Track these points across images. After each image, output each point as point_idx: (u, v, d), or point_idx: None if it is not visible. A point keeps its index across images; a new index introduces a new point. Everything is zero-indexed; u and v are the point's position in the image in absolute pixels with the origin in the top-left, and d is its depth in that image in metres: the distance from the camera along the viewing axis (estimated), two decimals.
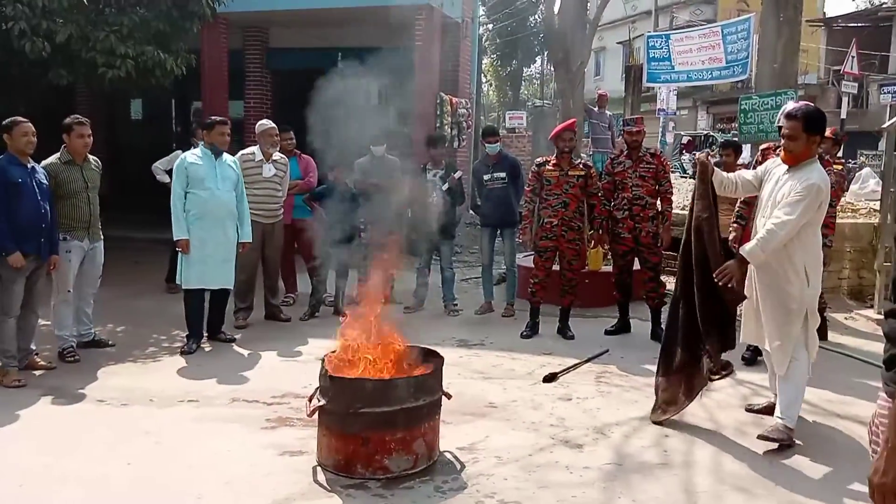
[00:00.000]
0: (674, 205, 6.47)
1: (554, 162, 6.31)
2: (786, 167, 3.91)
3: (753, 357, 5.46)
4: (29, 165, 4.98)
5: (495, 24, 32.90)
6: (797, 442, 3.97)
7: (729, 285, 3.86)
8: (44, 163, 5.25)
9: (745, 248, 3.85)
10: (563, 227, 6.18)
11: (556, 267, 6.36)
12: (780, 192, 3.87)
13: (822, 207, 3.84)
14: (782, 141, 3.88)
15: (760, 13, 8.76)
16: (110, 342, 5.80)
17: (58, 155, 5.37)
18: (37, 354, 5.21)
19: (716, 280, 3.87)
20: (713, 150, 4.36)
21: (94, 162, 5.57)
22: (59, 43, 7.42)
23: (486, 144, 7.03)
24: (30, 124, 4.97)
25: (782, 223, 3.73)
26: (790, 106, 3.99)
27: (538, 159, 6.70)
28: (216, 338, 5.95)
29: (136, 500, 3.29)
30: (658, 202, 6.21)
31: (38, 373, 5.08)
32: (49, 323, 5.47)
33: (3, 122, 4.96)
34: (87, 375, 5.04)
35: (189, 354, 5.59)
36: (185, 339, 5.77)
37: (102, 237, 5.65)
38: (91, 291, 5.65)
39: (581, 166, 6.34)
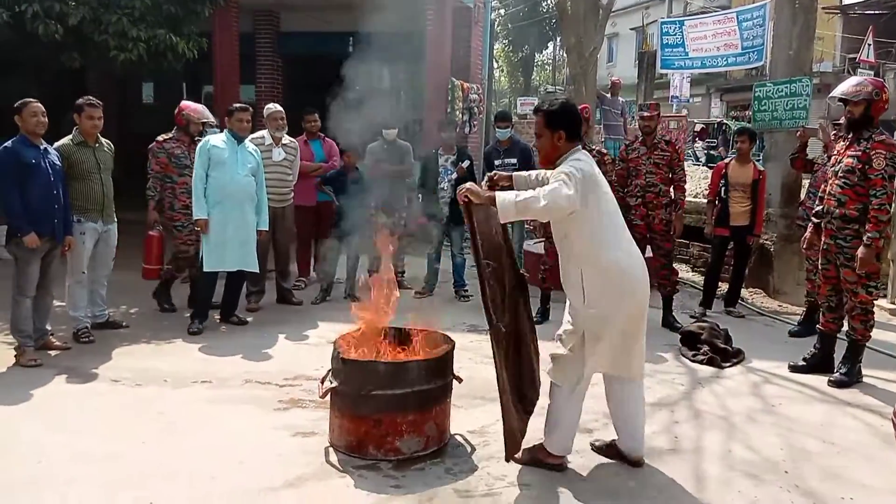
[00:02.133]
0: (687, 193, 6.44)
1: None
2: None
3: (804, 366, 5.09)
4: (41, 147, 5.01)
5: (507, 8, 32.71)
6: (567, 464, 3.53)
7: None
8: (56, 144, 5.27)
9: (503, 195, 3.14)
10: None
11: None
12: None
13: (591, 201, 3.17)
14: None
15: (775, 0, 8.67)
16: (124, 323, 5.85)
17: (70, 136, 5.39)
18: (52, 335, 5.26)
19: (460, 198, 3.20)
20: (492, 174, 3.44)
21: (106, 144, 5.59)
22: (72, 26, 7.46)
23: (497, 129, 7.00)
24: (40, 105, 4.97)
25: (550, 190, 3.05)
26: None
27: None
28: (229, 320, 5.99)
29: (151, 478, 3.32)
30: (671, 190, 6.19)
31: (53, 353, 5.13)
32: (64, 304, 5.52)
33: (15, 104, 4.99)
34: (101, 356, 5.09)
35: (196, 335, 5.64)
36: (191, 319, 5.82)
37: (116, 220, 5.69)
38: (105, 273, 5.69)
39: (594, 153, 6.31)
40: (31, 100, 5.00)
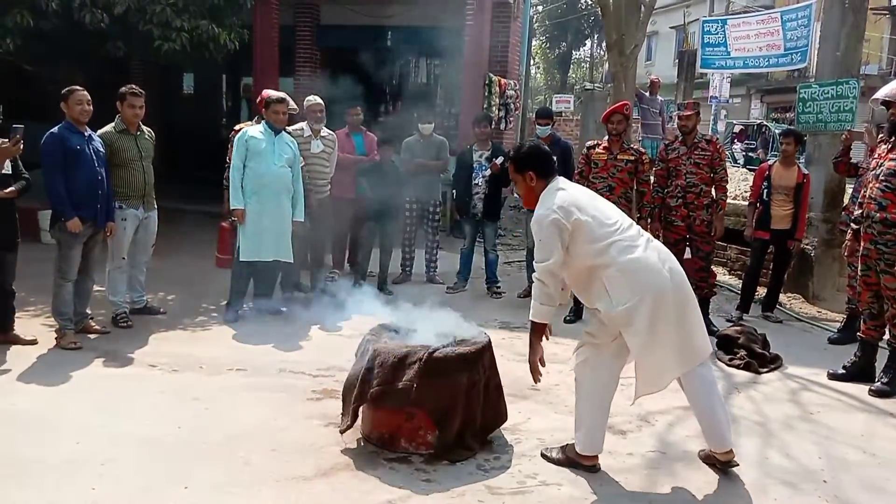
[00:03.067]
0: (728, 194, 6.32)
1: (604, 145, 6.23)
2: None
3: (844, 374, 4.99)
4: (86, 133, 5.10)
5: (545, 5, 32.50)
6: (600, 466, 3.47)
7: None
8: (99, 131, 5.37)
9: (532, 314, 3.32)
10: None
11: None
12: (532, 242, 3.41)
13: (577, 233, 3.23)
14: None
15: None
16: (162, 310, 5.95)
17: (113, 124, 5.48)
18: (92, 319, 5.37)
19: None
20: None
21: (147, 132, 5.67)
22: (117, 15, 7.57)
23: (538, 126, 6.94)
24: (85, 93, 5.07)
25: (541, 271, 3.23)
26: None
27: (589, 142, 6.62)
28: (264, 309, 6.04)
29: (186, 461, 3.37)
30: (712, 190, 6.09)
31: (92, 336, 5.24)
32: (104, 289, 5.62)
33: (61, 91, 5.08)
34: (139, 341, 5.18)
35: (231, 323, 5.69)
36: (225, 307, 5.88)
37: (156, 207, 5.77)
38: (144, 259, 5.79)
39: (632, 151, 6.23)
40: (77, 87, 5.10)
